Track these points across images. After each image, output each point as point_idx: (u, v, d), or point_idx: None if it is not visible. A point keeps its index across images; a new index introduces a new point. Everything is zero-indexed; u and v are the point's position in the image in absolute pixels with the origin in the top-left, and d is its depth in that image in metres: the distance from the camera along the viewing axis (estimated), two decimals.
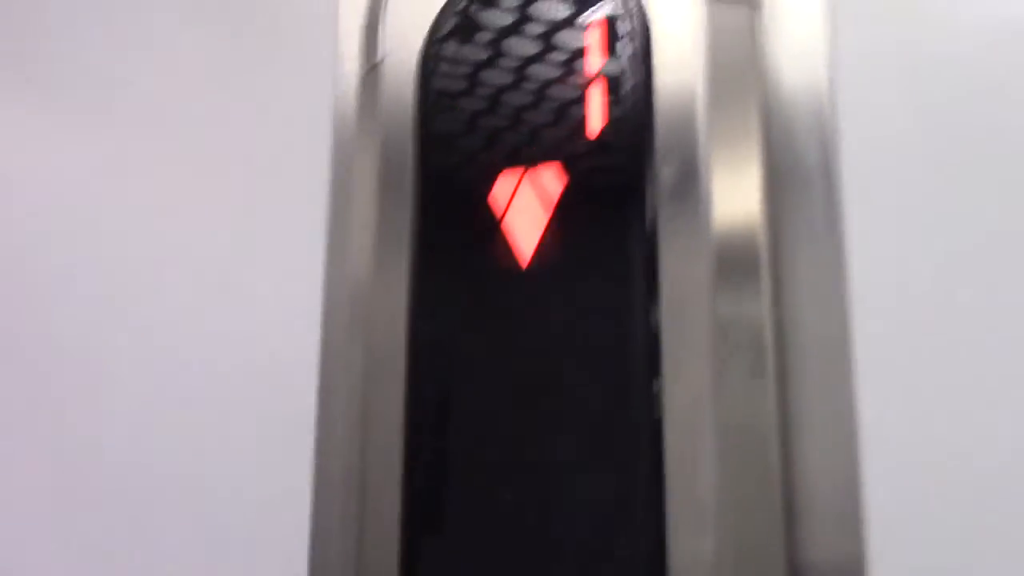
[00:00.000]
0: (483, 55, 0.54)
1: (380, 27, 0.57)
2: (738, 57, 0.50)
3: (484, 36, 0.54)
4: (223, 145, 0.65)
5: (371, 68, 0.57)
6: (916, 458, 0.44)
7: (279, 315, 0.60)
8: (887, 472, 0.44)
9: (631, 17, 0.51)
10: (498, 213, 0.52)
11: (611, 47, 0.51)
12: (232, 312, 0.62)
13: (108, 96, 0.71)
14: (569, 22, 0.52)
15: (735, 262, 0.47)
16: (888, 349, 0.46)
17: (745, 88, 0.49)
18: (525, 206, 0.51)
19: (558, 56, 0.52)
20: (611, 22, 0.51)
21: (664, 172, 0.48)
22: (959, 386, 0.44)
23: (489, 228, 0.51)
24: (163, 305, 0.64)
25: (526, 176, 0.51)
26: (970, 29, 0.48)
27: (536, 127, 0.51)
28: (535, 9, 0.53)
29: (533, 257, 0.51)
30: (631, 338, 0.48)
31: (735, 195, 0.48)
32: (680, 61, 0.49)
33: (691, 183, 0.48)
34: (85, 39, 0.73)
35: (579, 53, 0.51)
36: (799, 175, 0.48)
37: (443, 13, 0.55)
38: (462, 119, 0.54)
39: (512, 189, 0.51)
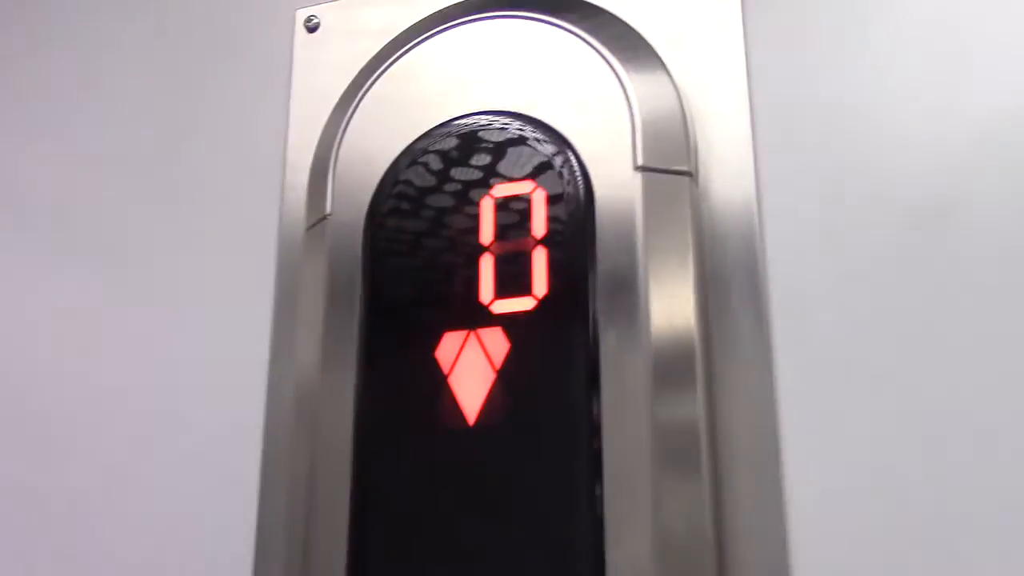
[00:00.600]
0: (427, 217, 0.56)
1: (328, 182, 0.58)
2: (674, 215, 0.52)
3: (428, 199, 0.56)
4: (173, 271, 0.66)
5: (318, 221, 0.58)
6: (846, 555, 0.47)
7: (226, 420, 0.60)
8: (816, 563, 0.47)
9: (574, 183, 0.53)
10: (445, 368, 0.53)
11: (554, 212, 0.53)
12: (178, 415, 0.62)
13: (65, 218, 0.71)
14: (515, 190, 0.54)
15: (672, 376, 0.49)
16: (817, 447, 0.49)
17: (681, 237, 0.51)
18: (471, 365, 0.52)
19: (504, 222, 0.53)
20: (554, 188, 0.53)
21: (608, 331, 0.50)
22: (888, 486, 0.48)
23: (436, 386, 0.52)
24: (116, 399, 0.64)
25: (471, 336, 0.52)
26: (888, 152, 0.53)
27: (480, 290, 0.53)
28: (482, 177, 0.55)
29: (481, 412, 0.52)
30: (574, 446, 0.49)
31: (673, 329, 0.49)
32: (620, 222, 0.52)
33: (633, 332, 0.50)
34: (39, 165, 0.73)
35: (524, 219, 0.53)
36: (729, 289, 0.52)
37: (388, 174, 0.56)
38: (408, 278, 0.55)
39: (458, 348, 0.52)
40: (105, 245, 0.69)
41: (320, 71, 0.65)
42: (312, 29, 0.66)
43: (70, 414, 0.65)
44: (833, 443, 0.49)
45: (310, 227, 0.59)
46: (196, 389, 0.63)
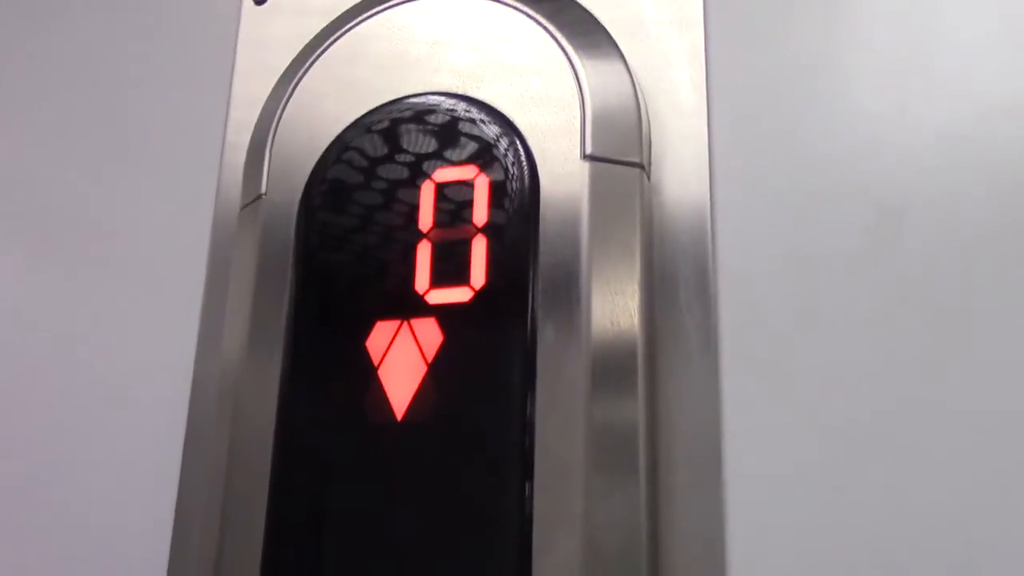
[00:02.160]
0: (364, 201, 0.53)
1: (265, 162, 0.55)
2: (622, 208, 0.50)
3: (366, 182, 0.53)
4: (104, 242, 0.64)
5: (252, 201, 0.56)
6: (784, 560, 0.46)
7: (148, 401, 0.58)
8: (754, 573, 0.46)
9: (518, 170, 0.50)
10: (375, 359, 0.50)
11: (497, 200, 0.50)
12: (101, 394, 0.60)
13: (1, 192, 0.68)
14: (458, 175, 0.51)
15: (612, 376, 0.47)
16: (759, 454, 0.47)
17: (628, 232, 0.49)
18: (402, 357, 0.49)
19: (444, 208, 0.51)
20: (498, 175, 0.51)
21: (546, 327, 0.48)
22: (828, 489, 0.46)
23: (365, 377, 0.50)
24: (31, 384, 0.62)
25: (404, 326, 0.50)
26: (848, 151, 0.51)
27: (417, 278, 0.50)
28: (423, 161, 0.52)
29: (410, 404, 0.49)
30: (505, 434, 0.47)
31: (615, 325, 0.47)
32: (566, 213, 0.49)
33: (573, 328, 0.47)
34: None
35: (465, 206, 0.51)
36: (677, 288, 0.50)
37: (326, 155, 0.54)
38: (341, 263, 0.52)
39: (389, 339, 0.50)
40: (31, 217, 0.66)
41: (266, 47, 0.62)
42: (259, 2, 0.63)
43: None
44: (778, 450, 0.47)
45: (244, 207, 0.56)
46: (120, 369, 0.60)
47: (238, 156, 0.59)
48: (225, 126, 0.62)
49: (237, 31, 0.63)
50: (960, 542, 0.44)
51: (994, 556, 0.44)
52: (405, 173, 0.52)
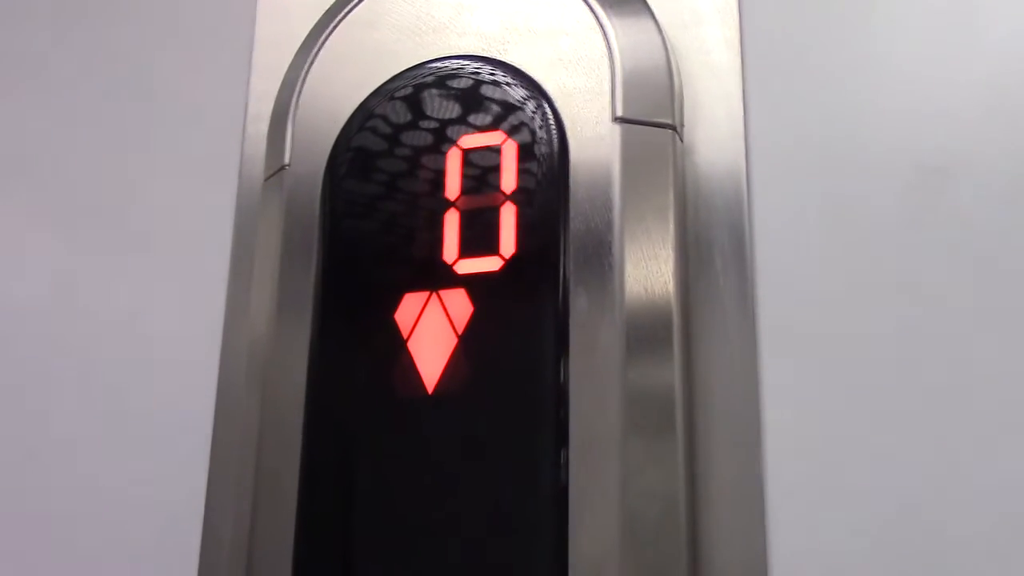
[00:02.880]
0: (389, 169, 0.52)
1: (287, 132, 0.54)
2: (655, 171, 0.48)
3: (391, 150, 0.52)
4: (128, 219, 0.63)
5: (275, 172, 0.55)
6: (823, 527, 0.45)
7: (177, 372, 0.58)
8: (794, 540, 0.45)
9: (547, 135, 0.49)
10: (404, 332, 0.49)
11: (525, 166, 0.49)
12: (130, 366, 0.59)
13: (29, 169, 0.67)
14: (484, 141, 0.50)
15: (647, 344, 0.46)
16: (795, 420, 0.46)
17: (661, 196, 0.48)
18: (432, 329, 0.48)
19: (471, 175, 0.49)
20: (526, 140, 0.49)
21: (579, 295, 0.46)
22: (869, 455, 0.45)
23: (394, 350, 0.49)
24: (63, 356, 0.61)
25: (432, 298, 0.49)
26: (888, 115, 0.49)
27: (445, 248, 0.49)
28: (448, 127, 0.51)
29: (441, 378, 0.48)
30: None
31: (649, 292, 0.46)
32: (596, 178, 0.48)
33: (606, 296, 0.46)
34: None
35: (492, 172, 0.49)
36: (713, 253, 0.49)
37: (350, 123, 0.52)
38: (367, 234, 0.51)
39: (419, 311, 0.49)
40: (54, 193, 0.65)
41: (286, 15, 0.61)
42: None
43: (13, 366, 0.61)
44: (817, 416, 0.46)
45: (268, 178, 0.55)
46: (148, 345, 0.59)
47: (261, 127, 0.58)
48: (247, 96, 0.61)
49: (255, 1, 0.62)
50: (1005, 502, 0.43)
51: None
52: (430, 140, 0.51)
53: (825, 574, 0.44)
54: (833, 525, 0.45)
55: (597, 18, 0.51)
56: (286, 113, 0.55)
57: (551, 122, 0.49)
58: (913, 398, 0.45)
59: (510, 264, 0.48)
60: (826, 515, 0.45)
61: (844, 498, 0.45)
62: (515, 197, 0.48)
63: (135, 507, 0.56)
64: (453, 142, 0.50)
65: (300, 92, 0.55)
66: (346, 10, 0.55)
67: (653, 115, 0.49)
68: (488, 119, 0.50)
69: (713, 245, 0.49)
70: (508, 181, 0.49)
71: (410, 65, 0.53)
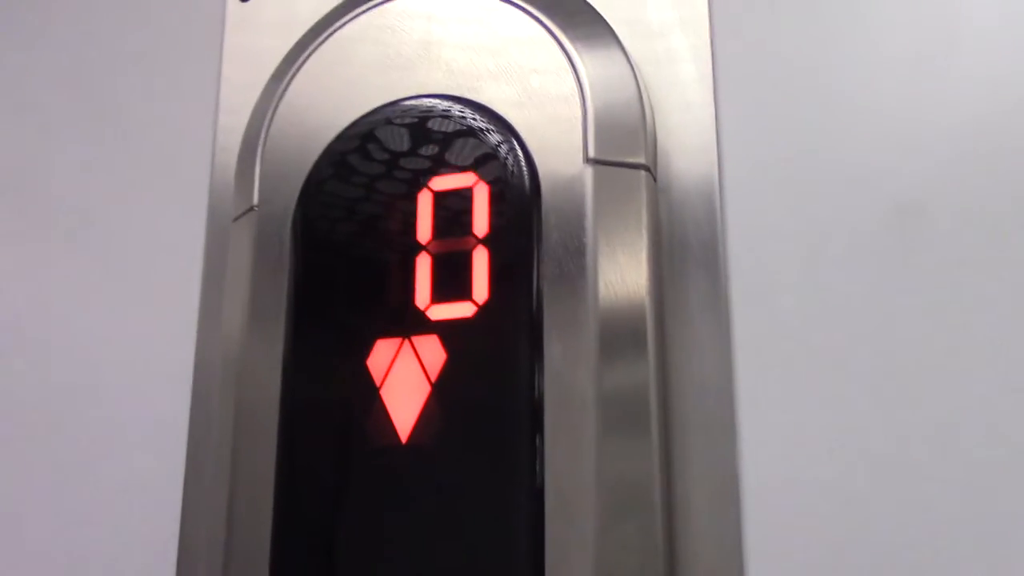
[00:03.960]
0: (360, 212, 0.51)
1: (255, 172, 0.53)
2: (628, 213, 0.48)
3: (362, 192, 0.51)
4: (98, 253, 0.63)
5: (244, 212, 0.54)
6: (799, 526, 0.45)
7: (151, 384, 0.57)
8: (769, 539, 0.45)
9: (519, 177, 0.48)
10: (377, 379, 0.48)
11: (497, 208, 0.48)
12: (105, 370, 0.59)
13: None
14: (455, 183, 0.49)
15: (623, 396, 0.45)
16: (771, 421, 0.46)
17: (635, 238, 0.47)
18: (405, 376, 0.48)
19: (443, 218, 0.49)
20: (498, 183, 0.49)
21: (553, 342, 0.46)
22: (841, 454, 0.45)
23: (367, 398, 0.48)
24: (33, 376, 0.61)
25: (405, 344, 0.48)
26: (864, 147, 0.49)
27: (417, 293, 0.48)
28: (419, 168, 0.50)
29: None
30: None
31: (625, 340, 0.45)
32: (569, 220, 0.47)
33: (581, 342, 0.45)
34: None
35: (464, 215, 0.48)
36: (688, 294, 0.48)
37: (319, 164, 0.51)
38: (338, 278, 0.50)
39: (391, 357, 0.48)
40: (25, 220, 0.64)
41: (253, 49, 0.60)
42: None
43: None
44: (791, 424, 0.46)
45: (236, 218, 0.54)
46: (118, 385, 0.59)
47: (229, 158, 0.57)
48: (214, 129, 0.60)
49: (222, 36, 0.61)
50: (980, 512, 0.43)
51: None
52: (401, 182, 0.50)
53: (800, 570, 0.44)
54: (808, 524, 0.44)
55: (568, 56, 0.50)
56: (254, 152, 0.54)
57: (523, 164, 0.48)
58: (885, 400, 0.45)
59: (483, 310, 0.47)
60: (801, 514, 0.45)
61: (818, 497, 0.45)
62: (487, 241, 0.48)
63: (110, 528, 0.56)
64: (424, 184, 0.50)
65: (268, 130, 0.54)
66: (313, 46, 0.55)
67: (625, 155, 0.48)
68: (459, 160, 0.49)
69: (688, 287, 0.49)
70: (480, 224, 0.48)
71: (379, 104, 0.52)
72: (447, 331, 0.47)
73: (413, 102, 0.52)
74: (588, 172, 0.47)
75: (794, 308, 0.48)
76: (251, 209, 0.53)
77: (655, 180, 0.49)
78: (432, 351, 0.47)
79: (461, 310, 0.47)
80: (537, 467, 0.44)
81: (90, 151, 0.65)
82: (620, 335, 0.45)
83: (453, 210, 0.49)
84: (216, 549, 0.49)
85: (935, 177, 0.47)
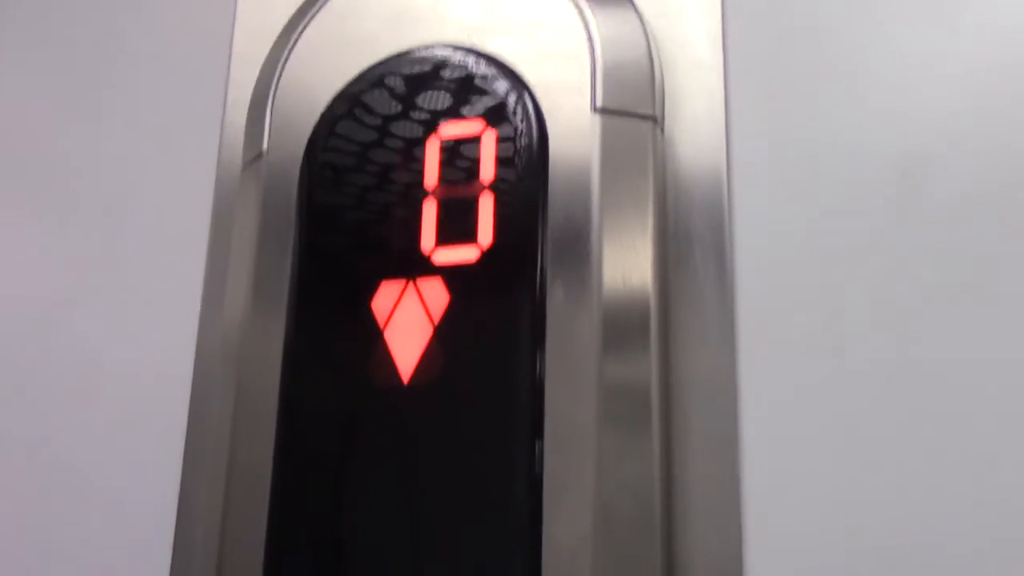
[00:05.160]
0: (367, 158, 0.51)
1: (266, 119, 0.54)
2: (634, 163, 0.48)
3: (370, 138, 0.51)
4: (107, 203, 0.62)
5: (253, 159, 0.54)
6: (800, 524, 0.44)
7: (153, 356, 0.57)
8: (769, 537, 0.44)
9: (527, 125, 0.49)
10: (380, 321, 0.49)
11: (504, 155, 0.49)
12: (107, 348, 0.59)
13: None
14: (464, 130, 0.49)
15: (624, 337, 0.45)
16: (775, 415, 0.46)
17: (641, 188, 0.47)
18: (408, 318, 0.48)
19: (448, 164, 0.49)
20: (505, 130, 0.49)
21: (556, 287, 0.46)
22: (845, 453, 0.45)
23: (371, 339, 0.48)
24: (33, 343, 0.61)
25: (409, 286, 0.48)
26: (862, 119, 0.49)
27: (423, 237, 0.48)
28: (428, 116, 0.51)
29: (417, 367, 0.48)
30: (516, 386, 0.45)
31: (627, 284, 0.46)
32: (575, 169, 0.47)
33: (584, 288, 0.46)
34: None
35: (471, 161, 0.49)
36: (692, 247, 0.49)
37: (329, 111, 0.52)
38: (345, 222, 0.51)
39: (395, 299, 0.48)
40: (30, 178, 0.64)
41: (266, 4, 0.60)
42: None
43: None
44: (796, 411, 0.46)
45: (246, 165, 0.55)
46: (122, 334, 0.59)
47: (240, 115, 0.58)
48: (226, 84, 0.60)
49: None
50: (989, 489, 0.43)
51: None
52: (410, 129, 0.51)
53: (800, 571, 0.44)
54: (809, 521, 0.44)
55: (578, 8, 0.50)
56: (265, 100, 0.55)
57: (531, 112, 0.49)
58: (893, 396, 0.45)
59: (488, 254, 0.47)
60: (802, 511, 0.45)
61: (821, 495, 0.45)
62: (494, 187, 0.48)
63: (105, 507, 0.56)
64: (432, 131, 0.50)
65: (279, 80, 0.55)
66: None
67: (634, 106, 0.48)
68: (468, 109, 0.50)
69: (692, 238, 0.49)
70: (487, 171, 0.49)
71: (390, 54, 0.52)
72: (451, 274, 0.48)
73: (424, 52, 0.52)
74: (596, 121, 0.48)
75: (801, 275, 0.48)
76: (260, 155, 0.53)
77: (662, 132, 0.49)
78: (436, 293, 0.48)
79: (465, 254, 0.48)
80: (536, 408, 0.44)
81: (98, 109, 0.65)
82: (623, 282, 0.46)
83: (461, 157, 0.49)
84: (217, 487, 0.50)
85: (948, 139, 0.47)
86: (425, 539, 0.46)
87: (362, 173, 0.51)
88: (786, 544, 0.44)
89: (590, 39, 0.49)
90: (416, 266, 0.48)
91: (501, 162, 0.48)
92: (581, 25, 0.50)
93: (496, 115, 0.49)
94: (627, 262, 0.46)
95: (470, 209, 0.48)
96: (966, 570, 0.42)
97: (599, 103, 0.48)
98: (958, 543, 0.43)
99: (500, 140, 0.49)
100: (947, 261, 0.46)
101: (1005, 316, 0.45)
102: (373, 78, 0.52)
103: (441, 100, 0.51)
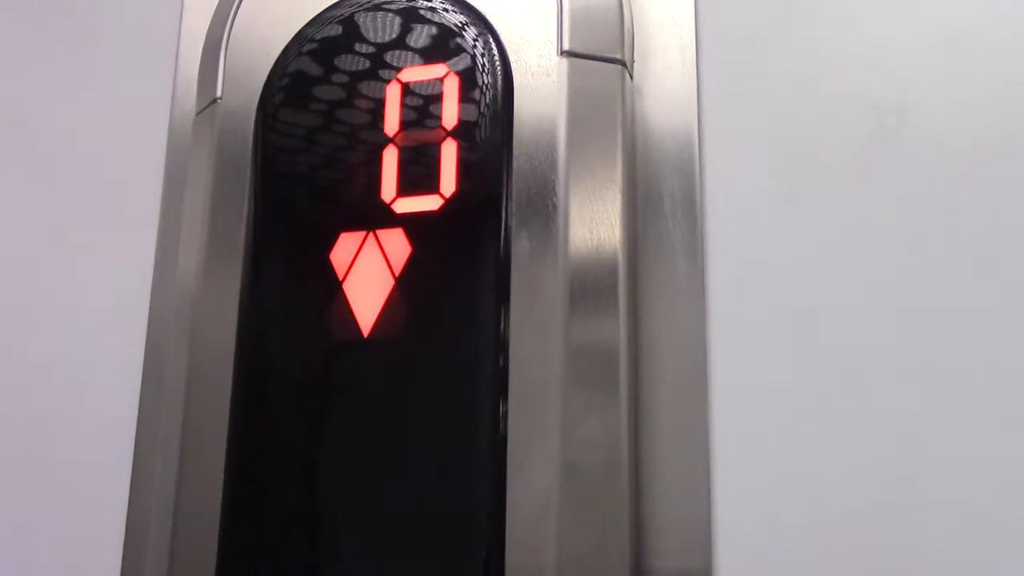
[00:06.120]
0: (326, 103, 0.49)
1: (219, 64, 0.51)
2: (603, 108, 0.46)
3: (328, 83, 0.49)
4: (57, 154, 0.60)
5: (207, 105, 0.52)
6: (769, 482, 0.44)
7: (106, 310, 0.56)
8: (739, 495, 0.44)
9: (491, 69, 0.47)
10: (340, 273, 0.47)
11: (468, 100, 0.47)
12: (59, 310, 0.57)
13: None
14: (426, 74, 0.47)
15: (591, 292, 0.44)
16: (745, 372, 0.45)
17: (609, 135, 0.46)
18: (368, 270, 0.46)
19: (409, 109, 0.47)
20: (469, 74, 0.47)
21: (521, 238, 0.44)
22: (815, 409, 0.44)
23: (329, 292, 0.46)
24: None
25: (369, 238, 0.46)
26: (833, 69, 0.48)
27: (383, 186, 0.47)
28: (388, 59, 0.49)
29: (377, 320, 0.46)
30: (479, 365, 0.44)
31: (594, 235, 0.44)
32: (541, 114, 0.46)
33: (549, 239, 0.44)
34: None
35: (433, 107, 0.47)
36: (662, 199, 0.47)
37: (284, 55, 0.50)
38: (302, 170, 0.49)
39: (355, 251, 0.47)
40: None
41: None
42: None
43: None
44: (765, 367, 0.44)
45: (199, 112, 0.53)
46: (74, 287, 0.57)
47: (192, 68, 0.55)
48: (179, 34, 0.58)
49: None
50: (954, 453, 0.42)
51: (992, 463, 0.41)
52: (369, 72, 0.49)
53: (769, 528, 0.43)
54: (779, 478, 0.44)
55: None
56: (218, 45, 0.52)
57: (495, 56, 0.47)
58: (864, 351, 0.44)
59: (450, 203, 0.46)
60: (771, 469, 0.44)
61: (790, 453, 0.44)
62: (456, 133, 0.46)
63: (61, 461, 0.54)
64: (393, 75, 0.48)
65: (232, 23, 0.52)
66: None
67: (602, 50, 0.47)
68: (430, 52, 0.48)
69: (663, 190, 0.47)
70: (449, 116, 0.47)
71: None
72: (413, 224, 0.46)
73: None
74: (563, 65, 0.46)
75: (773, 228, 0.47)
76: (214, 101, 0.51)
77: (631, 77, 0.48)
78: (397, 245, 0.46)
79: (428, 203, 0.46)
80: (501, 364, 0.43)
81: (50, 60, 0.62)
82: (591, 233, 0.44)
83: (422, 102, 0.47)
84: (172, 445, 0.48)
85: (923, 88, 0.46)
86: (385, 499, 0.44)
87: (320, 119, 0.49)
88: (755, 500, 0.44)
89: None
90: (376, 216, 0.47)
91: (464, 107, 0.47)
92: None
93: (459, 58, 0.47)
94: (595, 213, 0.45)
95: (432, 157, 0.46)
96: (930, 525, 0.42)
97: (566, 46, 0.46)
98: (923, 500, 0.42)
99: (463, 84, 0.47)
100: (921, 213, 0.45)
101: (977, 267, 0.44)
102: (330, 18, 0.50)
103: (402, 42, 0.49)
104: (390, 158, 0.47)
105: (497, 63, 0.47)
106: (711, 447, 0.44)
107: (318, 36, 0.50)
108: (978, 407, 0.42)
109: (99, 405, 0.54)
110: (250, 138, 0.50)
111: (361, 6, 0.50)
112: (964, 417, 0.42)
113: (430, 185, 0.46)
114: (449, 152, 0.46)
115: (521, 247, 0.44)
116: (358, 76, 0.49)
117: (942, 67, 0.46)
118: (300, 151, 0.49)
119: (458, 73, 0.47)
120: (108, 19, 0.62)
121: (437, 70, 0.47)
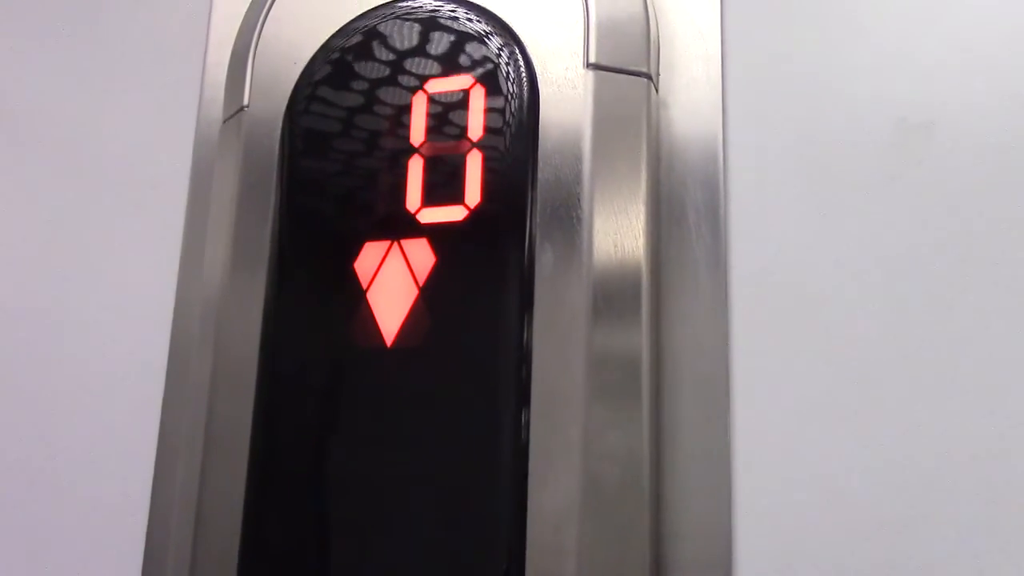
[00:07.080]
0: (352, 113, 0.50)
1: (247, 72, 0.52)
2: (628, 121, 0.46)
3: (355, 93, 0.50)
4: (86, 159, 0.61)
5: (234, 113, 0.52)
6: (790, 492, 0.44)
7: (131, 315, 0.56)
8: (759, 505, 0.44)
9: (517, 81, 0.47)
10: (364, 282, 0.47)
11: (493, 112, 0.47)
12: (85, 313, 0.58)
13: None
14: (452, 85, 0.48)
15: (614, 302, 0.44)
16: (768, 383, 0.45)
17: (634, 147, 0.46)
18: (392, 279, 0.47)
19: (435, 120, 0.47)
20: (494, 86, 0.47)
21: (545, 249, 0.45)
22: (837, 422, 0.44)
23: (353, 301, 0.47)
24: (16, 302, 0.59)
25: (394, 247, 0.47)
26: (860, 81, 0.48)
27: (408, 196, 0.47)
28: (415, 70, 0.49)
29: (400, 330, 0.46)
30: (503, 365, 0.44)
31: (618, 248, 0.44)
32: (567, 127, 0.46)
33: (573, 250, 0.44)
34: None
35: (458, 118, 0.47)
36: (686, 211, 0.47)
37: (312, 64, 0.50)
38: (328, 179, 0.49)
39: (379, 260, 0.47)
40: (10, 134, 0.63)
41: None
42: None
43: None
44: (788, 379, 0.44)
45: (226, 120, 0.53)
46: (101, 292, 0.57)
47: (219, 75, 0.56)
48: (207, 41, 0.58)
49: None
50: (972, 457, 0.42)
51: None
52: (395, 82, 0.49)
53: (790, 539, 0.43)
54: (800, 490, 0.44)
55: None
56: (246, 53, 0.53)
57: (522, 68, 0.47)
58: (888, 363, 0.44)
59: (475, 214, 0.46)
60: (793, 480, 0.44)
61: (812, 463, 0.44)
62: (482, 144, 0.47)
63: (87, 459, 0.55)
64: (419, 86, 0.48)
65: (260, 32, 0.53)
66: None
67: (627, 63, 0.47)
68: (456, 63, 0.48)
69: (686, 201, 0.48)
70: (475, 128, 0.47)
71: (376, 4, 0.51)
72: (437, 234, 0.46)
73: (411, 3, 0.50)
74: (589, 77, 0.46)
75: (797, 240, 0.46)
76: (241, 109, 0.52)
77: (657, 91, 0.48)
78: (421, 254, 0.46)
79: (452, 214, 0.46)
80: (523, 374, 0.43)
81: (76, 65, 0.63)
82: (614, 245, 0.44)
83: (448, 113, 0.48)
84: (197, 436, 0.48)
85: (949, 100, 0.46)
86: (408, 506, 0.44)
87: (346, 129, 0.49)
88: (777, 512, 0.44)
89: None
90: (401, 226, 0.47)
91: (490, 119, 0.47)
92: None
93: (486, 70, 0.48)
94: (619, 225, 0.45)
95: (457, 167, 0.47)
96: (946, 539, 0.42)
97: (592, 59, 0.46)
98: (941, 512, 0.42)
99: (489, 96, 0.47)
100: (947, 224, 0.45)
101: (1003, 277, 0.44)
102: (358, 29, 0.50)
103: (428, 53, 0.49)
104: (415, 168, 0.47)
105: (523, 75, 0.47)
106: (733, 457, 0.44)
107: (345, 46, 0.50)
108: (1006, 412, 0.42)
109: (123, 406, 0.55)
110: (276, 147, 0.50)
111: (387, 17, 0.50)
112: (991, 426, 0.42)
113: (455, 196, 0.46)
114: (474, 163, 0.46)
115: (545, 258, 0.45)
116: (384, 86, 0.49)
117: (968, 78, 0.46)
118: (326, 160, 0.49)
119: (484, 84, 0.47)
120: (137, 27, 0.62)
121: (463, 81, 0.48)
